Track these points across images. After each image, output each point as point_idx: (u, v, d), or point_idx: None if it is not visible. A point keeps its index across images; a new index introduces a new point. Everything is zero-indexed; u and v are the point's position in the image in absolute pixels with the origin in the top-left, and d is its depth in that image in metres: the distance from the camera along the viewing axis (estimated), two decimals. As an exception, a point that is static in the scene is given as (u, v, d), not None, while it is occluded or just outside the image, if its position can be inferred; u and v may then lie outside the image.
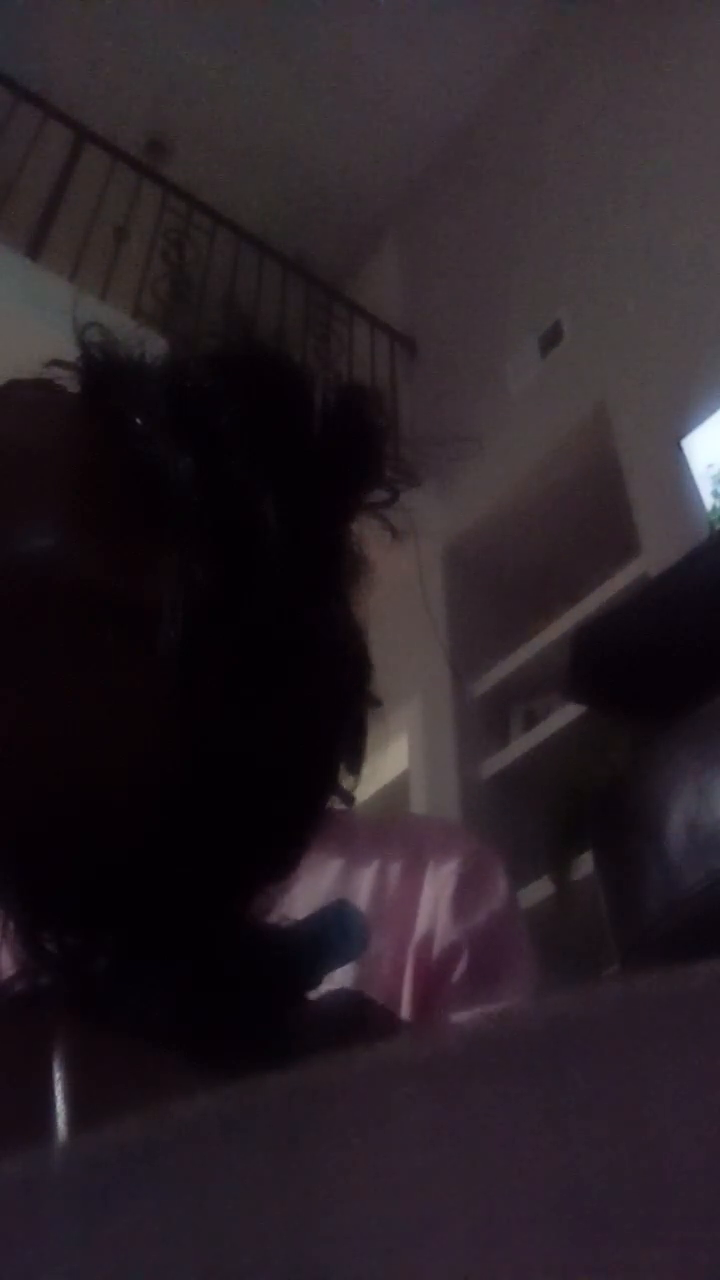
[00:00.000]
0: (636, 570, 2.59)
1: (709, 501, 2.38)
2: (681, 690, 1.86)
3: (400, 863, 0.79)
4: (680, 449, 2.47)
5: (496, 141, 3.89)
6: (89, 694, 0.36)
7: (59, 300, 2.46)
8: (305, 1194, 0.15)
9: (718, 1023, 0.15)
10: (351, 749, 0.88)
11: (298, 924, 0.42)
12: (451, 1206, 0.14)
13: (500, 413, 3.20)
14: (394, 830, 0.85)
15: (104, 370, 0.42)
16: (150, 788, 0.37)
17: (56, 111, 3.44)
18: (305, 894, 0.76)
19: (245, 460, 0.38)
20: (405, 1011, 0.70)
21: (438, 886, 0.77)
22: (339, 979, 0.70)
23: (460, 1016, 0.70)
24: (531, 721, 2.81)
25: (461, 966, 0.72)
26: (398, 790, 2.81)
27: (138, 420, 0.40)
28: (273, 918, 0.42)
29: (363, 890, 0.77)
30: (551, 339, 3.25)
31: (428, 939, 0.74)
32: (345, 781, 0.89)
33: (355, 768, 0.90)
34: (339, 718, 0.43)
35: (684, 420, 2.51)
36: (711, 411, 2.47)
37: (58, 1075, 0.31)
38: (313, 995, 0.42)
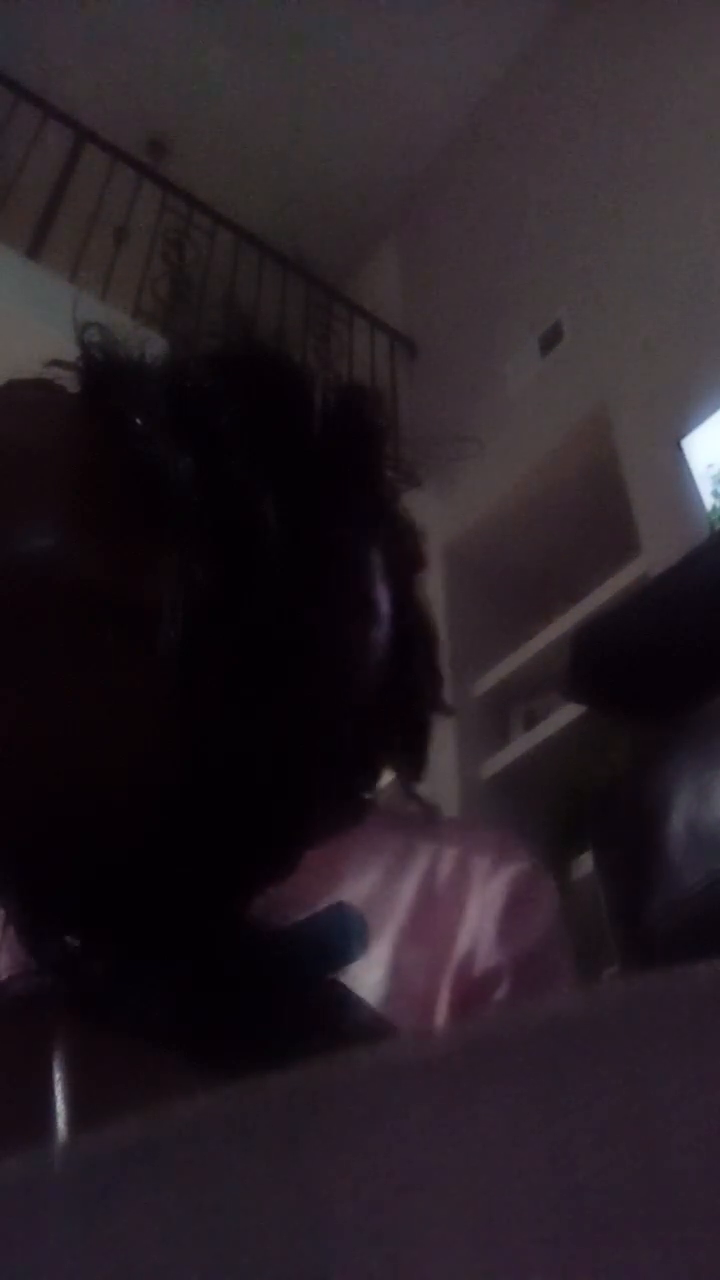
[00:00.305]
0: (636, 570, 2.59)
1: (709, 501, 2.38)
2: (681, 690, 1.86)
3: (448, 870, 0.77)
4: (680, 449, 2.47)
5: (496, 141, 3.89)
6: (89, 694, 0.36)
7: (59, 300, 2.46)
8: (305, 1194, 0.15)
9: (718, 1023, 0.15)
10: (410, 750, 0.87)
11: (297, 925, 0.42)
12: (451, 1206, 0.14)
13: (500, 413, 3.20)
14: (445, 834, 0.83)
15: (104, 370, 0.42)
16: (150, 788, 0.37)
17: (56, 111, 3.44)
18: (349, 890, 0.75)
19: (245, 460, 0.38)
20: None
21: (484, 903, 0.75)
22: (368, 985, 0.69)
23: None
24: (531, 721, 2.81)
25: (502, 991, 0.71)
26: (398, 790, 2.80)
27: (138, 420, 0.40)
28: (273, 918, 0.42)
29: (406, 893, 0.76)
30: (551, 339, 3.25)
31: (469, 958, 0.72)
32: (405, 780, 0.88)
33: (416, 771, 0.89)
34: (343, 720, 0.43)
35: (684, 420, 2.51)
36: (711, 411, 2.47)
37: (58, 1075, 0.31)
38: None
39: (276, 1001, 0.39)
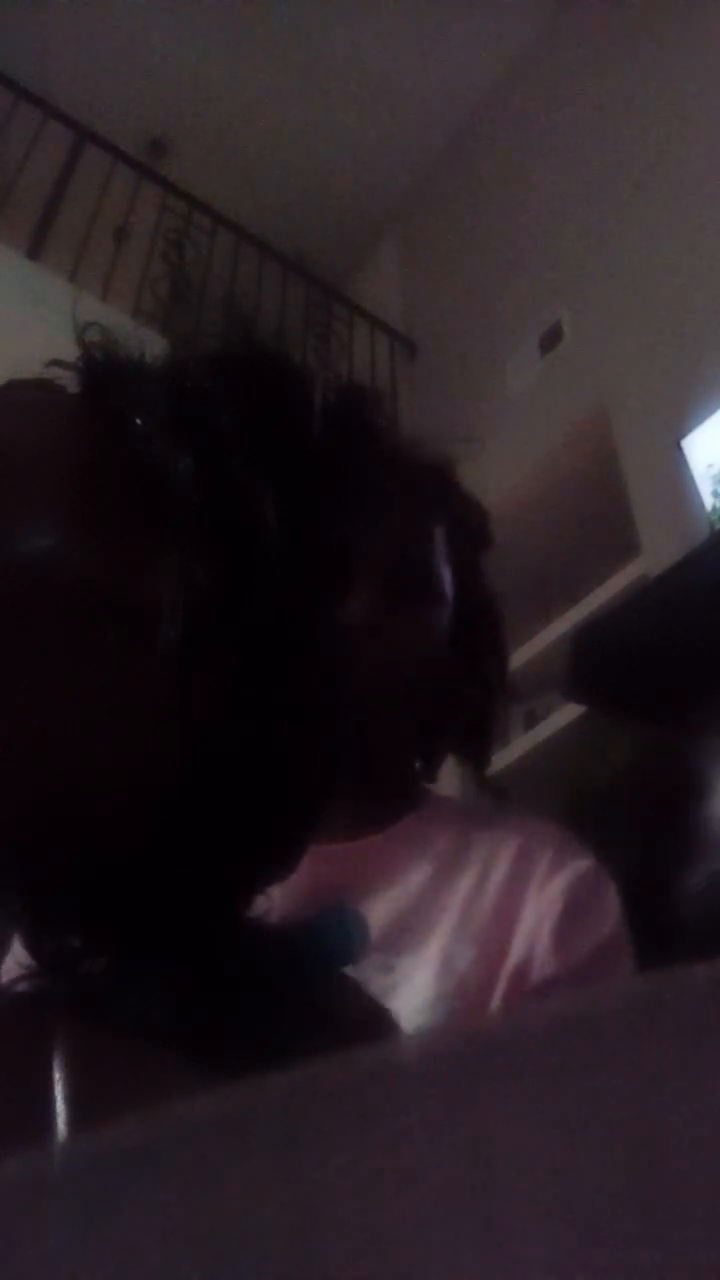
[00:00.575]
0: (636, 570, 2.58)
1: (709, 501, 2.38)
2: (681, 690, 1.86)
3: (505, 867, 0.74)
4: (680, 449, 2.47)
5: (497, 141, 3.89)
6: (89, 694, 0.36)
7: (59, 300, 2.47)
8: (305, 1194, 0.15)
9: (718, 1023, 0.15)
10: (474, 735, 0.86)
11: (298, 925, 0.42)
12: (452, 1207, 0.14)
13: (500, 413, 3.20)
14: (504, 830, 0.80)
15: (104, 370, 0.42)
16: (150, 788, 0.37)
17: (56, 111, 3.44)
18: (401, 879, 0.74)
19: (245, 460, 0.38)
20: None
21: (542, 907, 0.72)
22: (418, 982, 0.67)
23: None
24: (531, 721, 2.81)
25: None
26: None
27: (138, 420, 0.40)
28: (272, 918, 0.42)
29: (460, 889, 0.74)
30: (551, 339, 3.25)
31: (525, 965, 0.69)
32: (471, 766, 0.87)
33: (480, 757, 0.88)
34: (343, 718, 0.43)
35: (684, 420, 2.51)
36: (711, 411, 2.46)
37: (58, 1075, 0.31)
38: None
39: (276, 1001, 0.39)
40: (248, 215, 3.82)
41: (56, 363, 0.43)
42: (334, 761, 0.43)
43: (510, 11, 3.76)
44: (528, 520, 3.05)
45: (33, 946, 0.38)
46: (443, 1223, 0.14)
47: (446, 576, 0.82)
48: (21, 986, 0.38)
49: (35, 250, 3.11)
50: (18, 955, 0.39)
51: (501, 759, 2.79)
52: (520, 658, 2.86)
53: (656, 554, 2.43)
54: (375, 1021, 0.46)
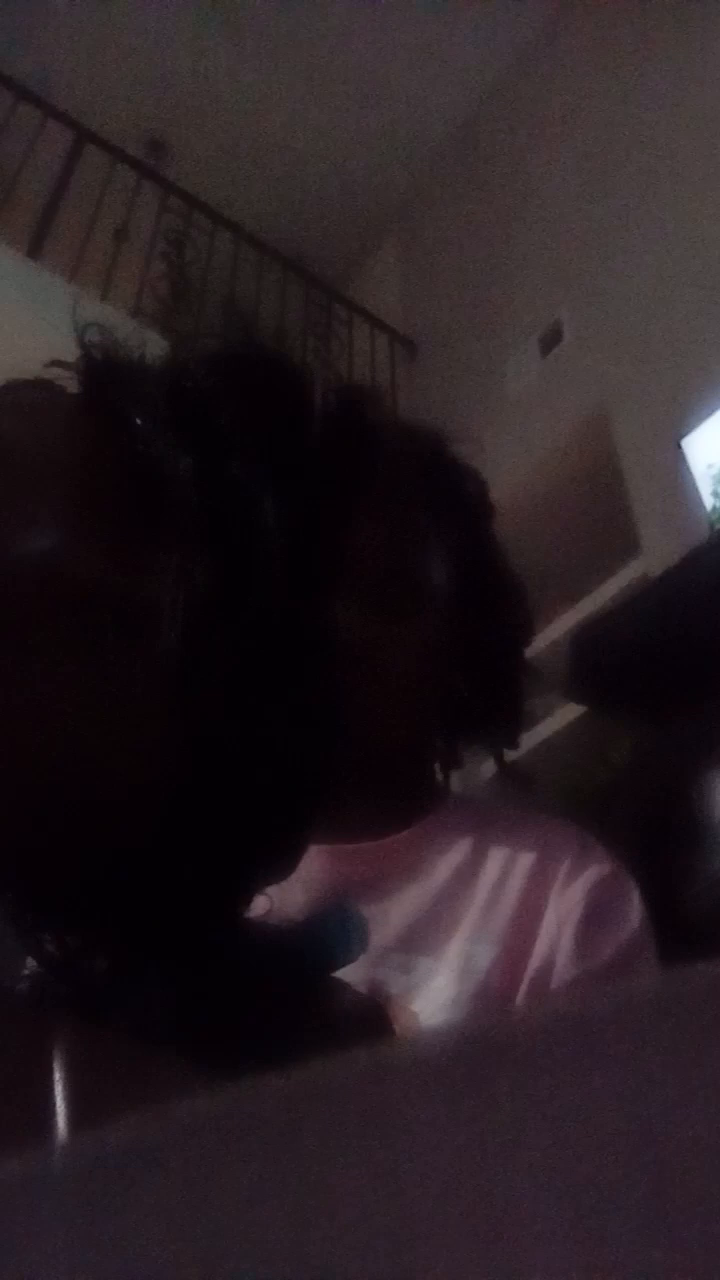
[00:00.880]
0: (636, 570, 2.59)
1: (709, 501, 2.38)
2: (681, 690, 1.86)
3: (527, 866, 0.74)
4: (680, 449, 2.47)
5: (496, 141, 3.89)
6: (89, 694, 0.36)
7: (59, 300, 2.46)
8: (305, 1194, 0.15)
9: (718, 1023, 0.15)
10: (498, 711, 0.84)
11: (298, 925, 0.42)
12: (452, 1207, 0.14)
13: (500, 413, 3.20)
14: (525, 830, 0.79)
15: (104, 370, 0.42)
16: (150, 787, 0.37)
17: (56, 111, 3.44)
18: (422, 877, 0.74)
19: (245, 460, 0.38)
20: None
21: (564, 910, 0.71)
22: (438, 983, 0.67)
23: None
24: (531, 721, 2.80)
25: None
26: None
27: (138, 420, 0.40)
28: (271, 918, 0.42)
29: (483, 884, 0.73)
30: (551, 339, 3.25)
31: (546, 968, 0.69)
32: (497, 745, 0.85)
33: (510, 734, 0.86)
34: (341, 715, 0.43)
35: (684, 420, 2.51)
36: (711, 411, 2.47)
37: (58, 1075, 0.31)
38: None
39: (276, 1001, 0.39)
40: (248, 215, 3.82)
41: (56, 363, 0.43)
42: (332, 762, 0.43)
43: (510, 11, 3.76)
44: (528, 520, 3.05)
45: (33, 946, 0.38)
46: (443, 1223, 0.14)
47: (440, 574, 0.81)
48: (22, 987, 0.38)
49: (35, 250, 3.11)
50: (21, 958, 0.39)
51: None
52: (520, 658, 2.86)
53: (656, 554, 2.43)
54: (371, 1018, 0.46)
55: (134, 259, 3.45)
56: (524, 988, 0.68)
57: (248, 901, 0.41)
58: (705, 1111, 0.14)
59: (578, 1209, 0.14)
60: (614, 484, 2.72)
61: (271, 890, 0.42)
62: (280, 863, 0.42)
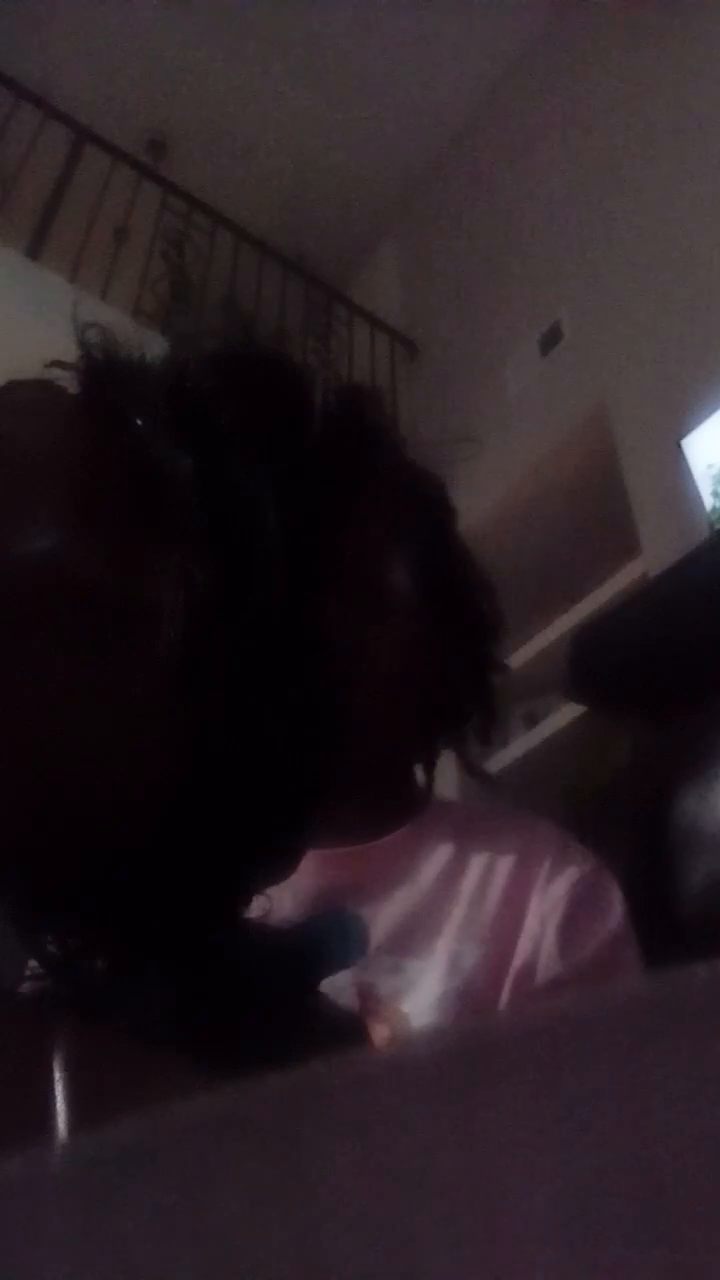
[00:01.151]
0: (636, 570, 2.58)
1: (709, 501, 2.38)
2: (681, 690, 1.85)
3: (509, 867, 0.75)
4: (680, 449, 2.47)
5: (496, 141, 3.89)
6: (89, 694, 0.36)
7: (59, 300, 2.46)
8: (305, 1194, 0.15)
9: (718, 1023, 0.15)
10: (478, 714, 0.84)
11: (297, 927, 0.42)
12: (451, 1207, 0.14)
13: (500, 413, 3.20)
14: (506, 831, 0.81)
15: (104, 370, 0.42)
16: (150, 788, 0.37)
17: (56, 111, 3.44)
18: (408, 881, 0.74)
19: (245, 460, 0.38)
20: None
21: (546, 908, 0.72)
22: (425, 984, 0.68)
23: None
24: (531, 721, 2.81)
25: None
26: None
27: (138, 420, 0.40)
28: (271, 920, 0.42)
29: (466, 886, 0.74)
30: (551, 339, 3.25)
31: (530, 966, 0.70)
32: (480, 738, 0.86)
33: (485, 729, 0.86)
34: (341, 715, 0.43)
35: (684, 420, 2.51)
36: (711, 411, 2.46)
37: (58, 1075, 0.31)
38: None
39: (275, 1002, 0.39)
40: (248, 215, 3.82)
41: (56, 363, 0.43)
42: (332, 762, 0.43)
43: (510, 12, 3.76)
44: (528, 520, 3.05)
45: (33, 946, 0.38)
46: (443, 1223, 0.14)
47: (409, 575, 0.80)
48: (22, 987, 0.38)
49: (35, 250, 3.11)
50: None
51: (501, 759, 2.79)
52: (520, 658, 2.87)
53: (656, 554, 2.43)
54: (347, 1028, 0.46)
55: (134, 259, 3.45)
56: (509, 985, 0.69)
57: (247, 902, 0.41)
58: (705, 1112, 0.14)
59: (576, 1209, 0.14)
60: (614, 484, 2.72)
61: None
62: (280, 863, 0.42)
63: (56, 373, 0.43)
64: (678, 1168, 0.14)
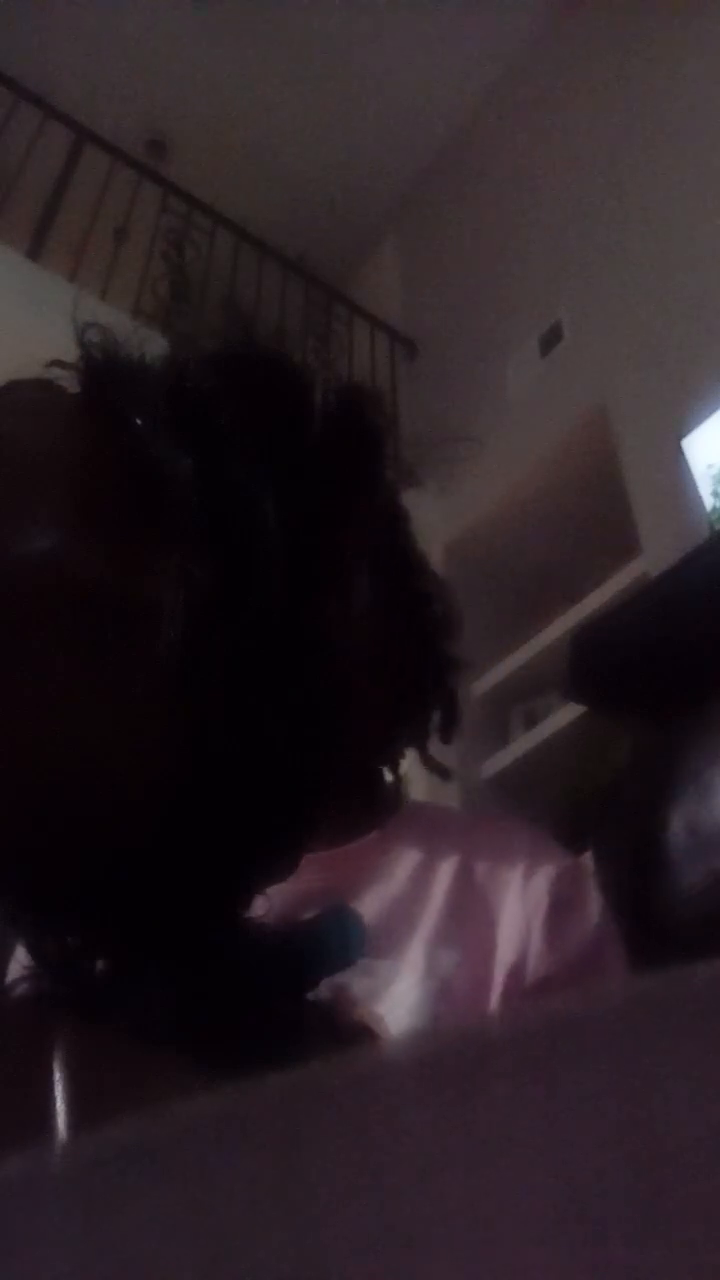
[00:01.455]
0: (636, 570, 2.58)
1: (709, 501, 2.38)
2: (681, 690, 1.85)
3: (484, 865, 0.75)
4: (680, 449, 2.47)
5: (496, 141, 3.89)
6: (89, 694, 0.36)
7: (59, 300, 2.46)
8: (305, 1194, 0.15)
9: (718, 1023, 0.15)
10: (441, 713, 0.84)
11: (297, 927, 0.42)
12: (451, 1207, 0.14)
13: (500, 413, 3.20)
14: (480, 830, 0.81)
15: (104, 370, 0.42)
16: (150, 788, 0.37)
17: (56, 111, 3.44)
18: (380, 883, 0.74)
19: (245, 460, 0.38)
20: None
21: (529, 906, 0.73)
22: (400, 990, 0.68)
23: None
24: (531, 721, 2.81)
25: None
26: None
27: (138, 420, 0.40)
28: (272, 919, 0.42)
29: (439, 887, 0.74)
30: (551, 339, 3.25)
31: (519, 966, 0.70)
32: (442, 735, 0.86)
33: (448, 728, 0.87)
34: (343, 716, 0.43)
35: (684, 420, 2.51)
36: (711, 411, 2.46)
37: (58, 1075, 0.31)
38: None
39: (276, 1002, 0.39)
40: (248, 215, 3.82)
41: (56, 363, 0.43)
42: (333, 762, 0.43)
43: (510, 11, 3.76)
44: (528, 520, 3.05)
45: (33, 946, 0.38)
46: (443, 1223, 0.14)
47: (369, 577, 0.81)
48: (22, 987, 0.38)
49: (35, 250, 3.11)
50: (18, 955, 0.39)
51: (501, 759, 2.79)
52: (520, 658, 2.87)
53: (656, 554, 2.43)
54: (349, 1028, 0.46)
55: (134, 259, 3.45)
56: (497, 985, 0.69)
57: (248, 902, 0.41)
58: (702, 1112, 0.14)
59: (576, 1209, 0.14)
60: (614, 484, 2.72)
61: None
62: (281, 863, 0.42)
63: (56, 372, 0.43)
64: (678, 1167, 0.14)
